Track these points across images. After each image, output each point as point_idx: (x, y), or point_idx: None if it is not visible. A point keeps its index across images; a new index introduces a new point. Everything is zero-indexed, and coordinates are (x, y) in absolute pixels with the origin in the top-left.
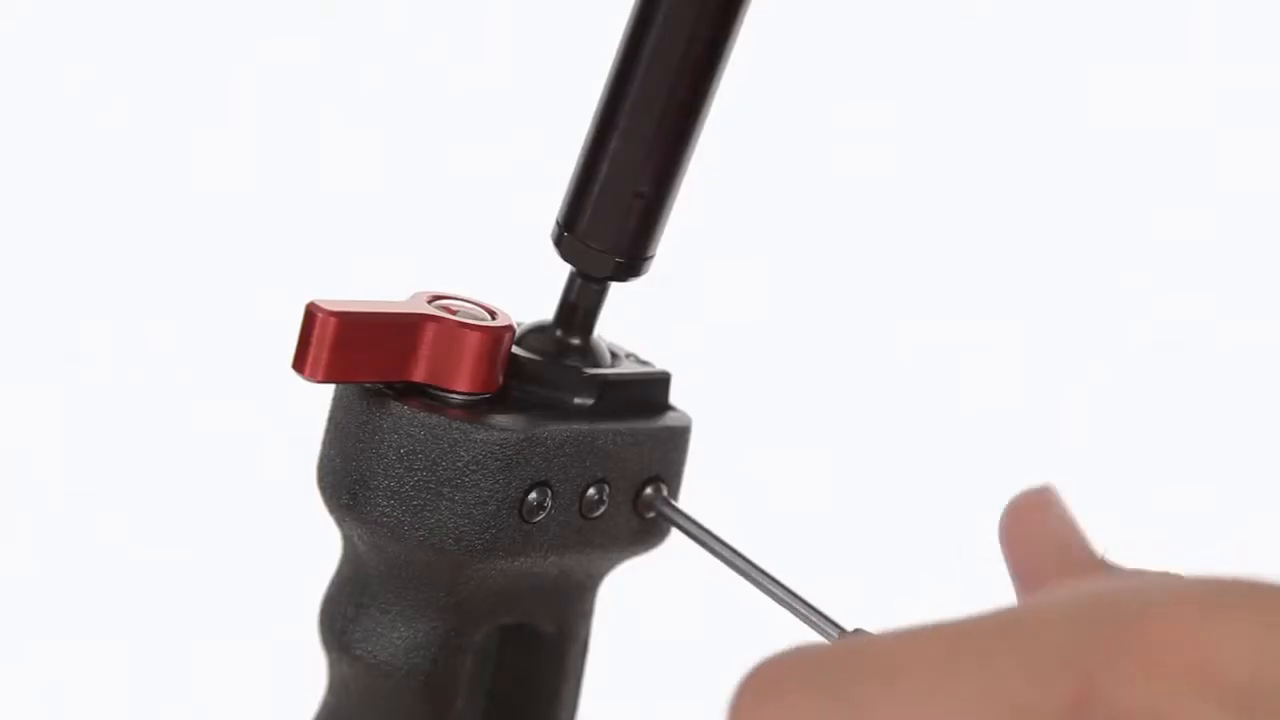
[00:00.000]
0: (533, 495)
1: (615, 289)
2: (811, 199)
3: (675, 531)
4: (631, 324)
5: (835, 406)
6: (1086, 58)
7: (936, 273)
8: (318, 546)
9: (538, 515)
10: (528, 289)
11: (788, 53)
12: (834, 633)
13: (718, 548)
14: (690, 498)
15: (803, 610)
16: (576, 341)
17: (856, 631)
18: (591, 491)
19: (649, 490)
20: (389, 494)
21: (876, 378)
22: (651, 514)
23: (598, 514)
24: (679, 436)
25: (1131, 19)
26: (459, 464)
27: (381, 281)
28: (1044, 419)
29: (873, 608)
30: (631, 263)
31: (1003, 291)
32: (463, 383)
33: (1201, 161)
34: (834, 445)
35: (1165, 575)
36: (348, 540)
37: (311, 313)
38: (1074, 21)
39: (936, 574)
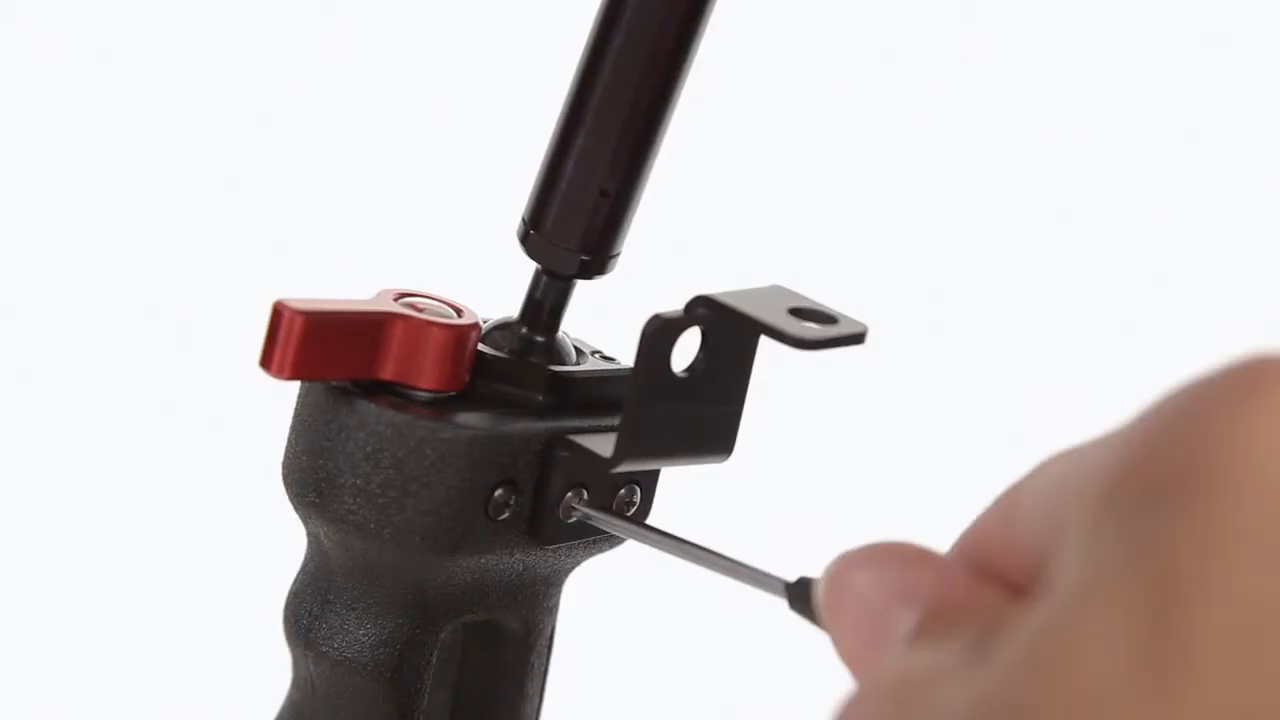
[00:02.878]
0: (498, 493)
1: (592, 286)
2: (784, 196)
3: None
4: (617, 321)
5: (822, 403)
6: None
7: (923, 269)
8: (283, 543)
9: (503, 513)
10: (494, 286)
11: (755, 49)
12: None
13: (645, 535)
14: (670, 497)
15: (748, 575)
16: (541, 339)
17: (799, 581)
18: (569, 496)
19: (568, 495)
20: (355, 492)
21: (862, 375)
22: (572, 519)
23: (576, 517)
24: None
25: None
26: (425, 462)
27: (347, 279)
28: (1041, 420)
29: None
30: (597, 260)
31: (993, 288)
32: (429, 380)
33: (1197, 161)
34: (826, 444)
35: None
36: (313, 537)
37: (278, 311)
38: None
39: None
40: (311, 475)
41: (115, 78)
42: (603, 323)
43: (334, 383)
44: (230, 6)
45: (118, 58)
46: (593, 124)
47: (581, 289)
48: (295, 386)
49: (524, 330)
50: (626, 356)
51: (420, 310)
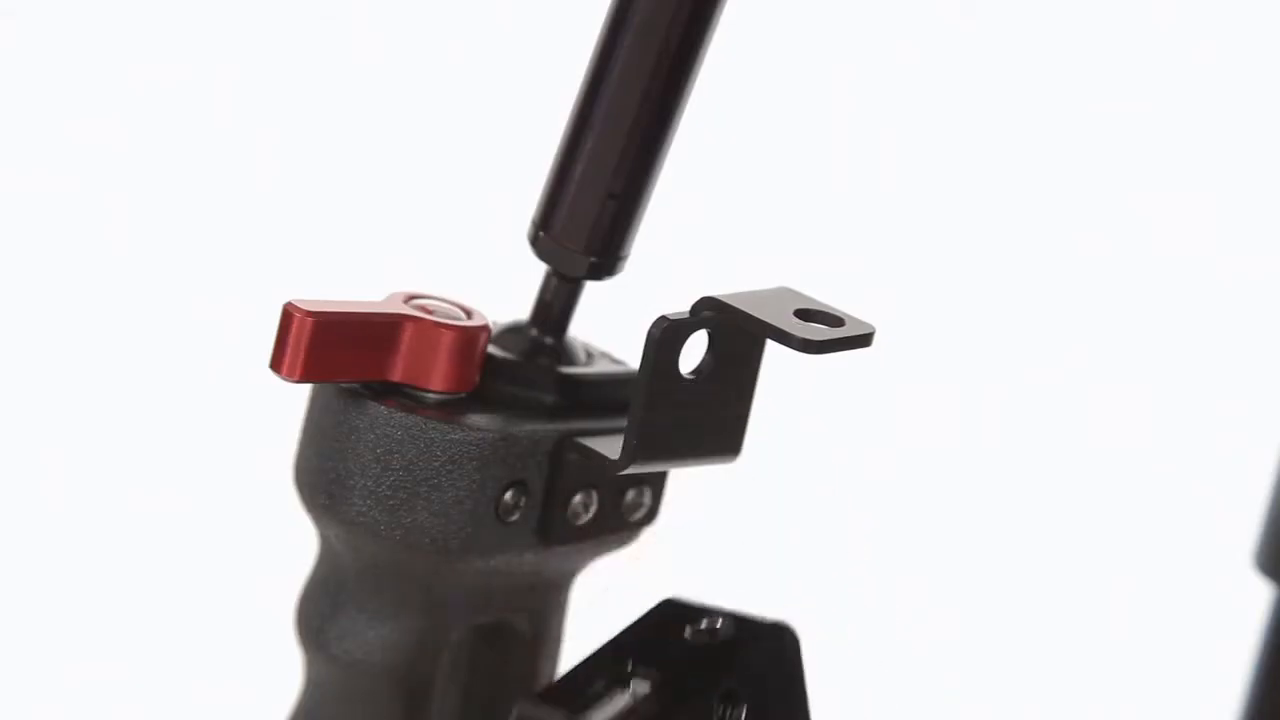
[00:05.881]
0: (508, 495)
1: (601, 287)
2: (792, 198)
3: (648, 530)
4: (626, 323)
5: (826, 403)
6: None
7: (930, 271)
8: (294, 545)
9: (513, 514)
10: (505, 288)
11: (765, 50)
12: None
13: None
14: (682, 495)
15: None
16: (550, 340)
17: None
18: (579, 498)
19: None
20: (366, 494)
21: (864, 375)
22: (636, 516)
23: (585, 518)
24: None
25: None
26: (435, 464)
27: (358, 281)
28: (1043, 421)
29: (869, 605)
30: (606, 262)
31: (1000, 289)
32: (439, 382)
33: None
34: (825, 444)
35: None
36: (324, 539)
37: (289, 313)
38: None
39: (934, 572)
40: (322, 477)
41: (119, 79)
42: (612, 324)
43: (344, 385)
44: (239, 6)
45: (120, 58)
46: (601, 126)
47: (591, 290)
48: (306, 389)
49: (534, 332)
50: (636, 358)
51: (430, 312)
